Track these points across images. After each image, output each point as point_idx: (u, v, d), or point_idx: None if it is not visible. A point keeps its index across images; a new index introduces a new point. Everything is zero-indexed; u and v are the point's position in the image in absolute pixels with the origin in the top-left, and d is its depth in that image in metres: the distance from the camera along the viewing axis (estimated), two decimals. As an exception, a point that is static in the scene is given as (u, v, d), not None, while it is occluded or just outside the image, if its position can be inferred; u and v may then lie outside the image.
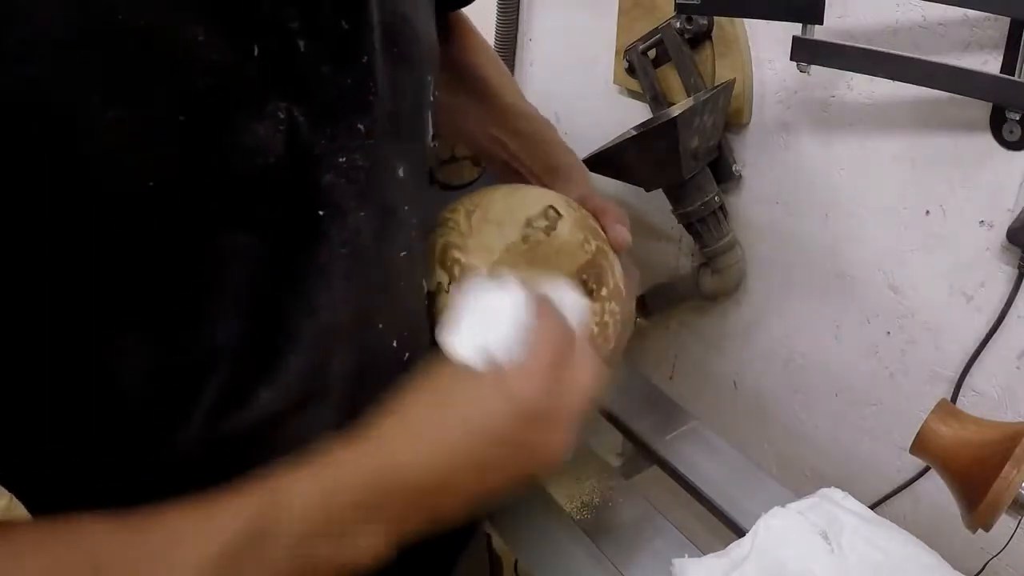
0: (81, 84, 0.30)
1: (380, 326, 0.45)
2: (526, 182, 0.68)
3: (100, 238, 0.32)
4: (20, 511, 0.39)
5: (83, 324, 0.33)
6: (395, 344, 0.47)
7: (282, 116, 0.36)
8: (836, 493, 0.65)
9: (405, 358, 0.47)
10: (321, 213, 0.39)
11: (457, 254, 0.54)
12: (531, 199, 0.58)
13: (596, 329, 0.56)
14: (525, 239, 0.55)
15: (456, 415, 0.39)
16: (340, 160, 0.39)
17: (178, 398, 0.37)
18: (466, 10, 0.68)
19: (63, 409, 0.35)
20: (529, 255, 0.54)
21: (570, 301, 0.46)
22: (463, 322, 0.42)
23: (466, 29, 0.71)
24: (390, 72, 0.43)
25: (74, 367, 0.34)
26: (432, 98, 0.50)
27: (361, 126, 0.40)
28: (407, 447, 0.38)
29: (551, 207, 0.57)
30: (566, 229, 0.56)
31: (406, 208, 0.46)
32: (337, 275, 0.41)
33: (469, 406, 0.39)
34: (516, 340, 0.40)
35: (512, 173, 0.69)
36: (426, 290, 0.54)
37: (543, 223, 0.56)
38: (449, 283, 0.53)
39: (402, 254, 0.46)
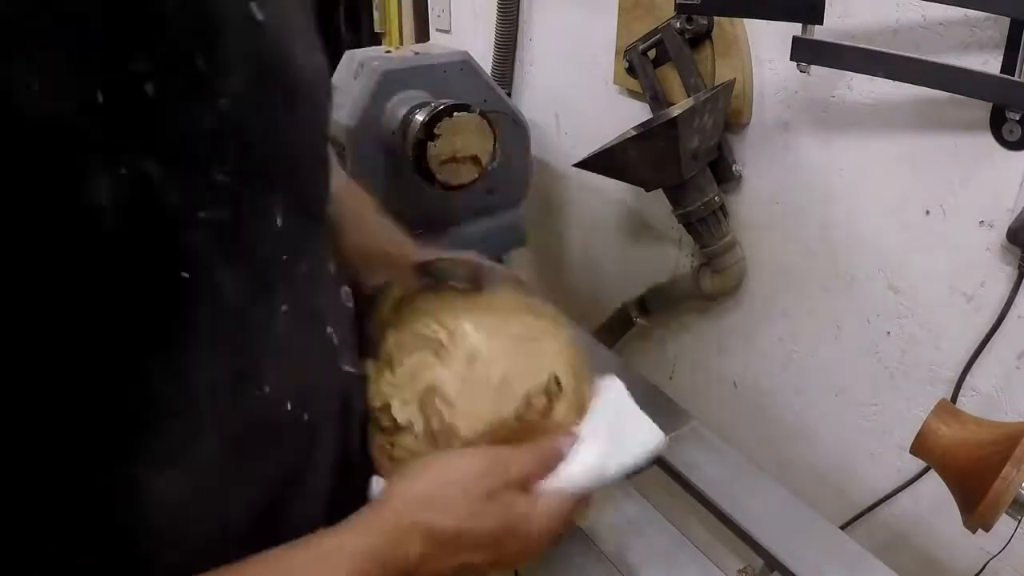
0: None
1: (267, 388, 0.41)
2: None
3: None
4: None
5: None
6: (289, 407, 0.43)
7: (126, 172, 0.32)
8: None
9: (306, 419, 0.44)
10: (186, 275, 0.35)
11: (442, 408, 0.50)
12: (540, 361, 0.53)
13: None
14: (519, 417, 0.50)
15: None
16: (200, 215, 0.35)
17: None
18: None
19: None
20: (515, 434, 0.50)
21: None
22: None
23: None
24: (264, 113, 0.39)
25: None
26: (326, 132, 0.47)
27: (221, 176, 0.36)
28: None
29: (556, 378, 0.52)
30: (562, 411, 0.52)
31: (285, 258, 0.42)
32: (205, 337, 0.37)
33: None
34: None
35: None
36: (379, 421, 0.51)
37: (541, 401, 0.51)
38: (423, 431, 0.50)
39: (284, 308, 0.42)
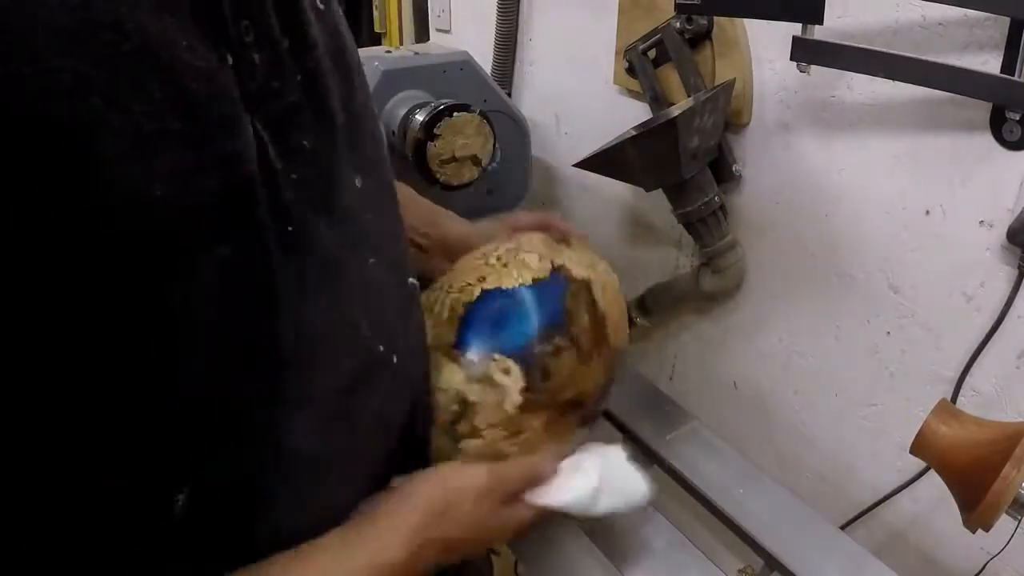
0: (82, 85, 0.29)
1: (366, 332, 0.46)
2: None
3: (101, 255, 0.31)
4: None
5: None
6: (382, 348, 0.47)
7: (250, 128, 0.37)
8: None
9: (394, 361, 0.49)
10: (290, 228, 0.39)
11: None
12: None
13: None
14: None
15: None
16: (292, 176, 0.40)
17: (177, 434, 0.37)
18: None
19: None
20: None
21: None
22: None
23: None
24: (337, 86, 0.44)
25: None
26: (373, 108, 0.52)
27: (306, 142, 0.41)
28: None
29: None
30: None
31: (368, 216, 0.47)
32: (312, 285, 0.41)
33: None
34: None
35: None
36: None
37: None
38: (447, 456, 0.58)
39: (371, 260, 0.47)
